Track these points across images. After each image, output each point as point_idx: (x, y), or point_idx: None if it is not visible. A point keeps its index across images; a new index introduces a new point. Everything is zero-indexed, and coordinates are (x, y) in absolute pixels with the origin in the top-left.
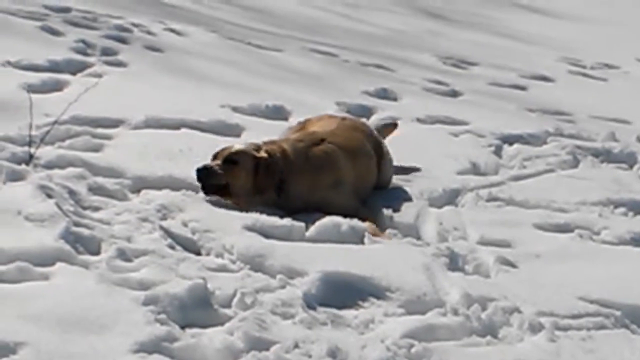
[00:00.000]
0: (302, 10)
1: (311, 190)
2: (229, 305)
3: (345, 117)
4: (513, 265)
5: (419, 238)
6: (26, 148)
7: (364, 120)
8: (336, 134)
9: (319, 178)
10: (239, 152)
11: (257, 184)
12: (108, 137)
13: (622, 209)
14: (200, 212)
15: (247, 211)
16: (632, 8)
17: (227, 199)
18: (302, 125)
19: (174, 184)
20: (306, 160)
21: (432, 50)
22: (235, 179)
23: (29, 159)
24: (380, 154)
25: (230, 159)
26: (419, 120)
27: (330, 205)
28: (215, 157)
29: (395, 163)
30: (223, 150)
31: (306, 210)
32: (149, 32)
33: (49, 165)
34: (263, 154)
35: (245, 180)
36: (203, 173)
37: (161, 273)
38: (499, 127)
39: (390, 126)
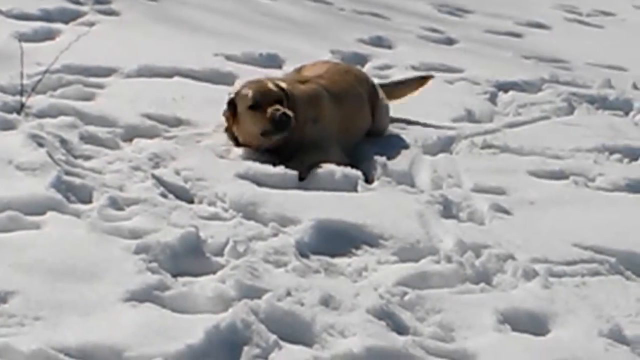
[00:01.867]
0: None
1: (295, 128)
2: (221, 254)
3: (339, 63)
4: (507, 212)
5: (413, 185)
6: (17, 97)
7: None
8: (322, 77)
9: (301, 114)
10: (286, 90)
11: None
12: (100, 86)
13: (617, 156)
14: (192, 161)
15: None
16: None
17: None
18: (298, 71)
19: (166, 133)
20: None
21: None
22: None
23: (20, 108)
24: (375, 100)
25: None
26: (413, 67)
27: (306, 141)
28: (258, 102)
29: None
30: (263, 93)
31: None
32: None
33: (41, 114)
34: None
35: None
36: (286, 124)
37: (153, 222)
38: (494, 74)
39: (420, 80)
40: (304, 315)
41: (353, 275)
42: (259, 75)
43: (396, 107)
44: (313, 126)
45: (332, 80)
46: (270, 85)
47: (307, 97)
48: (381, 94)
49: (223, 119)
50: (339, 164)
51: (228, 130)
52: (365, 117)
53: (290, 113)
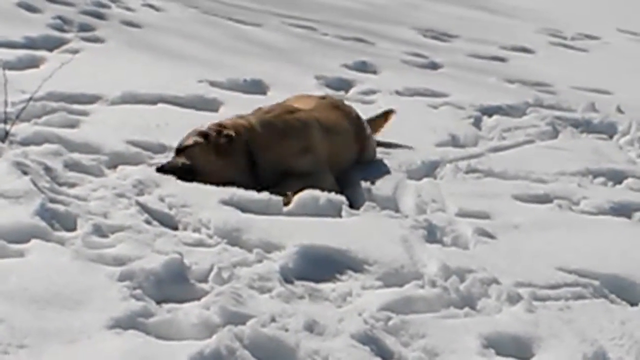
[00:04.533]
0: None
1: (282, 158)
2: (205, 280)
3: (325, 97)
4: (492, 237)
5: (397, 210)
6: (1, 125)
7: (343, 97)
8: (313, 110)
9: (288, 144)
10: (188, 148)
11: (225, 167)
12: (84, 113)
13: (601, 179)
14: (176, 187)
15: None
16: None
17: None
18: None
19: (151, 160)
20: (274, 129)
21: (411, 23)
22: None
23: (5, 136)
24: (364, 135)
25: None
26: (398, 92)
27: (299, 172)
28: (179, 148)
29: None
30: (183, 142)
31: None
32: (127, 8)
33: (25, 142)
34: (222, 138)
35: (212, 166)
36: (163, 171)
37: (137, 248)
38: (479, 98)
39: (384, 115)
40: (288, 341)
41: (337, 301)
42: (242, 101)
43: (380, 132)
44: (302, 155)
45: (323, 115)
46: (197, 137)
47: (291, 127)
48: (369, 129)
49: None
50: (330, 190)
51: None
52: (352, 152)
53: (187, 162)
